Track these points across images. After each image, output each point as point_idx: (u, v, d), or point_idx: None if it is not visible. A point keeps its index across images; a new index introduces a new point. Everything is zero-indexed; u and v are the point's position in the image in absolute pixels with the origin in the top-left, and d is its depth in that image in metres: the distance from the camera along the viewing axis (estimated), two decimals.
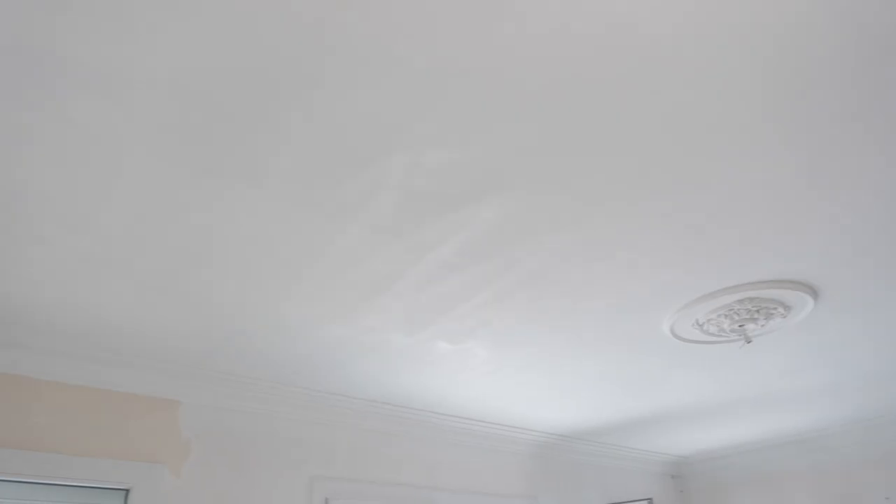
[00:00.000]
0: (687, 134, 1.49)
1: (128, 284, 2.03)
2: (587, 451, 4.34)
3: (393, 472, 3.29)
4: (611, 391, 3.28)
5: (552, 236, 1.87)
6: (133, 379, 2.61)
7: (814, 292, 2.31)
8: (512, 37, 1.20)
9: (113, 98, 1.30)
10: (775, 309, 2.38)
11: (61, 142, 1.41)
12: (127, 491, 2.46)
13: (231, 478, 2.73)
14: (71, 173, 1.51)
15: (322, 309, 2.24)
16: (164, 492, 2.53)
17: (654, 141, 1.51)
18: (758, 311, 2.38)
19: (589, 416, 3.70)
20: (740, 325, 2.45)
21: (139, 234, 1.76)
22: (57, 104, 1.30)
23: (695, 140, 1.51)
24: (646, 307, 2.36)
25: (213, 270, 1.97)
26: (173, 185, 1.57)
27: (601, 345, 2.67)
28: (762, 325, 2.49)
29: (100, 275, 1.96)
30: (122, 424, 2.55)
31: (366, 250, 1.90)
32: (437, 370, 2.85)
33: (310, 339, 2.47)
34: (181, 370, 2.69)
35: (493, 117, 1.40)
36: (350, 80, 1.29)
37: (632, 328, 2.53)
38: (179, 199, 1.62)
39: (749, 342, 2.55)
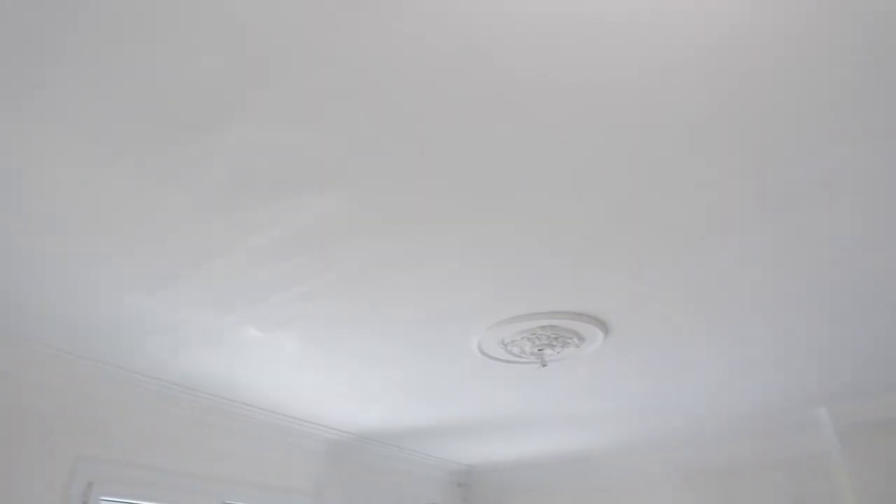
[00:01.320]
0: (519, 166, 1.58)
1: None
2: (380, 453, 4.41)
3: (174, 459, 3.07)
4: (413, 397, 3.36)
5: (383, 239, 1.88)
6: None
7: (605, 328, 2.57)
8: (379, 30, 1.20)
9: None
10: (571, 339, 2.61)
11: None
12: None
13: None
14: None
15: (127, 275, 2.04)
16: None
17: (494, 167, 1.58)
18: (556, 339, 2.59)
19: (388, 418, 3.76)
20: (539, 350, 2.65)
21: None
22: None
23: (523, 174, 1.61)
24: (459, 321, 2.46)
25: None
26: None
27: (412, 352, 2.73)
28: (558, 352, 2.71)
29: None
30: None
31: (186, 221, 1.76)
32: (242, 357, 2.73)
33: (106, 306, 2.24)
34: None
35: (343, 110, 1.38)
36: (189, 37, 1.19)
37: (443, 339, 2.62)
38: None
39: (544, 366, 2.76)
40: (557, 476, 5.13)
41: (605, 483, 4.93)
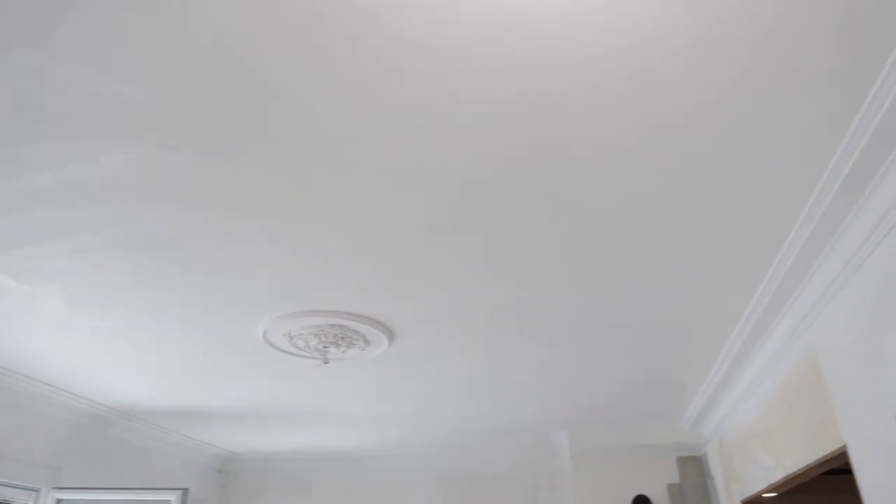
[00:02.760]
0: (338, 168, 1.63)
1: None
2: (137, 431, 4.11)
3: None
4: (186, 376, 3.21)
5: (181, 210, 1.80)
6: None
7: (391, 335, 2.70)
8: None
9: None
10: (357, 341, 2.69)
11: None
12: None
13: None
14: None
15: None
16: None
17: (313, 162, 1.61)
18: (343, 339, 2.66)
19: (154, 395, 3.53)
20: (325, 347, 2.70)
21: None
22: None
23: (340, 175, 1.66)
24: (248, 306, 2.41)
25: None
26: None
27: (191, 330, 2.62)
28: (342, 352, 2.78)
29: None
30: None
31: None
32: None
33: None
34: None
35: (162, 63, 1.31)
36: None
37: (228, 322, 2.55)
38: None
39: (326, 363, 2.81)
40: (320, 471, 5.20)
41: (363, 482, 5.12)
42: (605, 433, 4.44)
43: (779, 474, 2.82)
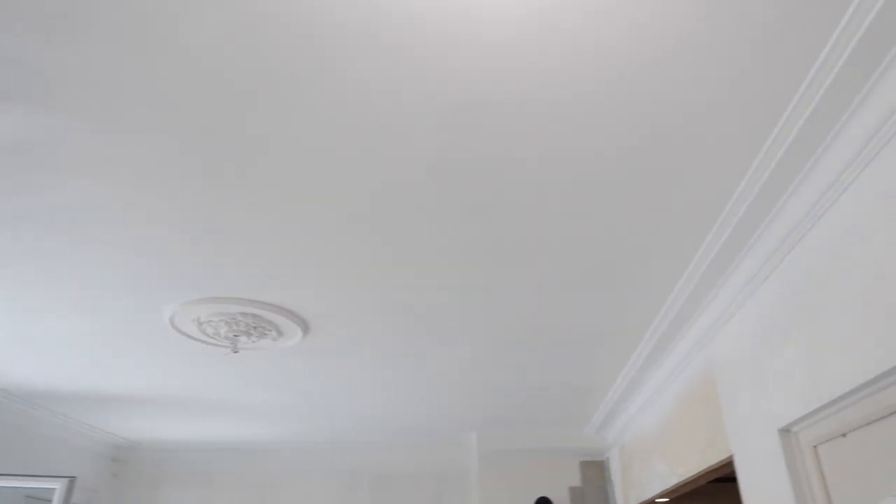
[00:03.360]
0: (268, 154, 1.58)
1: None
2: (22, 413, 3.84)
3: None
4: (78, 357, 3.02)
5: (85, 178, 1.68)
6: None
7: (306, 328, 2.64)
8: None
9: None
10: (270, 331, 2.62)
11: None
12: None
13: None
14: None
15: None
16: None
17: (243, 145, 1.55)
18: (255, 328, 2.58)
19: (42, 375, 3.31)
20: (235, 335, 2.61)
21: None
22: None
23: (270, 162, 1.61)
24: (154, 287, 2.29)
25: None
26: None
27: (89, 308, 2.46)
28: (254, 342, 2.70)
29: None
30: None
31: None
32: None
33: None
34: None
35: (77, 25, 1.23)
36: None
37: (131, 303, 2.42)
38: None
39: (236, 352, 2.72)
40: (222, 463, 5.04)
41: (268, 475, 4.99)
42: (513, 436, 4.53)
43: (672, 481, 2.96)
